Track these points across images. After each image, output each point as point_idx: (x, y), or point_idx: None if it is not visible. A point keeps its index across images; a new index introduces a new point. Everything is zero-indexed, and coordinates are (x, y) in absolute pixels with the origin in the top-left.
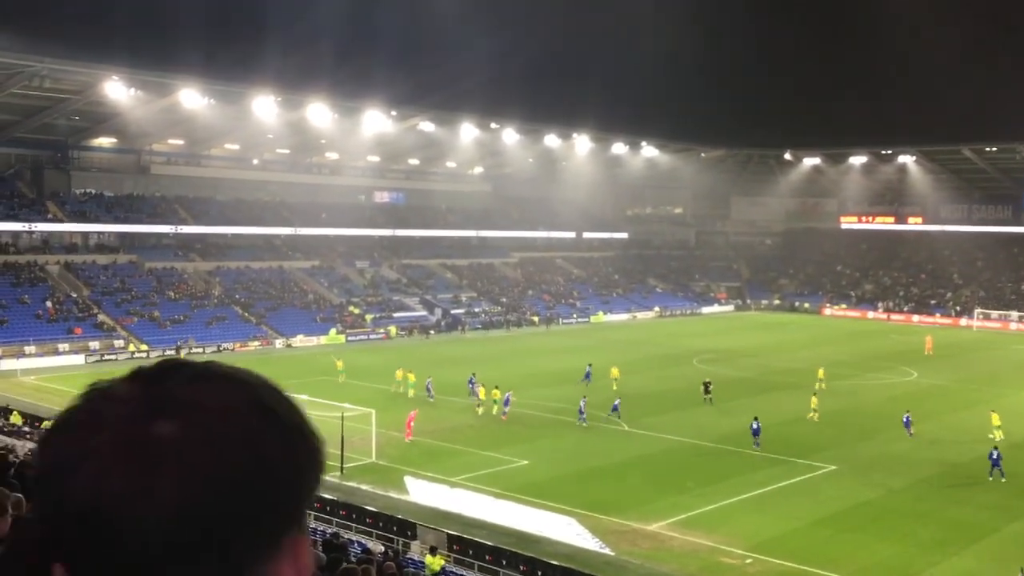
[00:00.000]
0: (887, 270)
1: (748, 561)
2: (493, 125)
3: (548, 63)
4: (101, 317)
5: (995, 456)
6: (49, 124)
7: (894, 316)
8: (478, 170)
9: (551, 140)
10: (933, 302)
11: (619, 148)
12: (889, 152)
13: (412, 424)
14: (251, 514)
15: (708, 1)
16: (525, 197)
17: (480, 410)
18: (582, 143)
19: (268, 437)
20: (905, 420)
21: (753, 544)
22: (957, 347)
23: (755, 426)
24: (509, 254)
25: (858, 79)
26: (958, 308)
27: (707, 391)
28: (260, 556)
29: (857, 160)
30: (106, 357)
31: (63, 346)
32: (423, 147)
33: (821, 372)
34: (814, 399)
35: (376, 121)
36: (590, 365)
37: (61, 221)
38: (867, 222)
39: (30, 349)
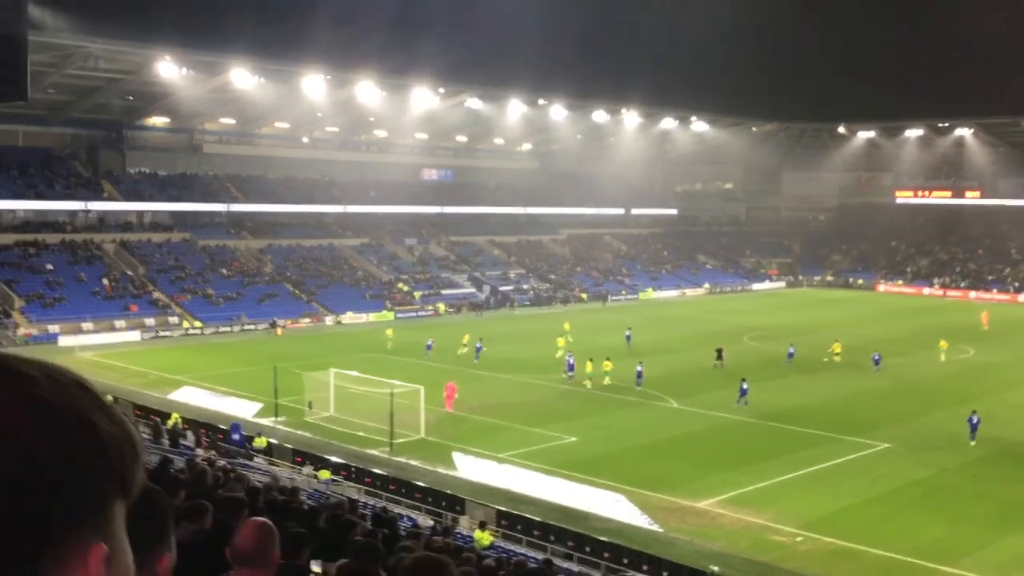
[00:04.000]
0: (943, 245)
1: (799, 539)
2: (541, 101)
3: (596, 37)
4: (156, 294)
5: (975, 421)
6: (104, 104)
7: (950, 292)
8: (526, 147)
9: (599, 116)
10: (991, 278)
11: (668, 123)
12: (946, 125)
13: (453, 396)
14: (9, 518)
15: None
16: (573, 173)
17: (588, 383)
18: (631, 118)
19: (35, 432)
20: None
21: (804, 522)
22: (1015, 323)
23: (744, 387)
24: (557, 231)
25: (914, 50)
26: (1016, 284)
27: (719, 357)
28: (27, 567)
29: (913, 133)
30: (161, 334)
31: (119, 323)
32: (471, 124)
33: (838, 347)
34: (837, 344)
35: (424, 98)
36: (630, 329)
37: (116, 200)
38: (923, 196)
39: (87, 326)
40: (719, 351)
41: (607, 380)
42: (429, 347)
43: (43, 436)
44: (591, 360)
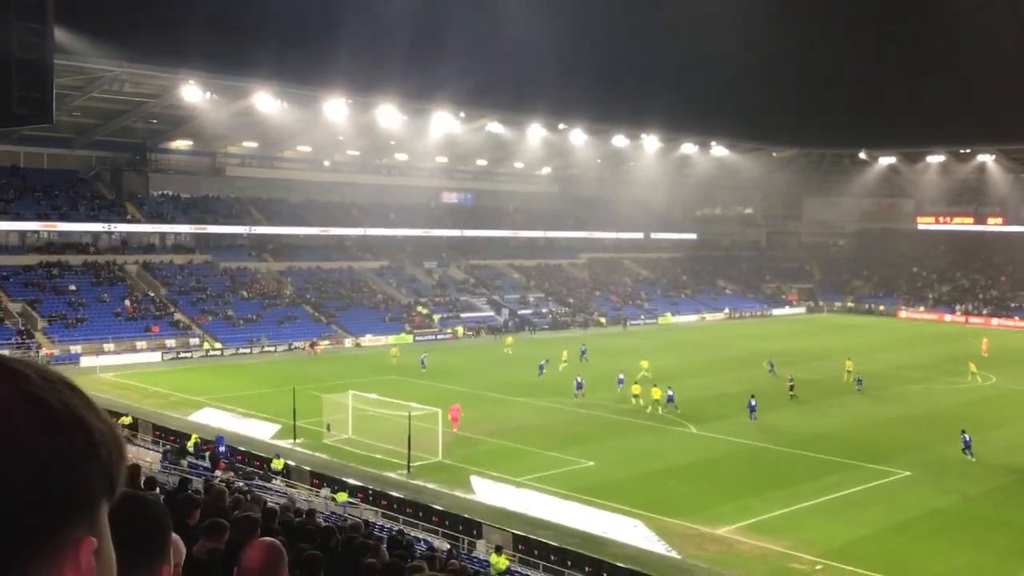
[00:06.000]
0: (965, 272)
1: (818, 567)
2: (561, 126)
3: (616, 63)
4: (177, 316)
5: (967, 439)
6: (128, 127)
7: (972, 319)
8: (546, 171)
9: (619, 140)
10: (1013, 305)
11: (688, 148)
12: (968, 151)
13: (458, 417)
14: (10, 511)
15: None
16: (593, 198)
17: (652, 409)
18: (650, 143)
19: (33, 428)
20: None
21: (824, 550)
22: None
23: (752, 403)
24: (577, 255)
25: (935, 76)
26: None
27: (792, 389)
28: (19, 560)
29: (934, 159)
30: (182, 355)
31: (140, 344)
32: (491, 148)
33: (850, 364)
34: (849, 363)
35: (444, 122)
36: (584, 345)
37: (139, 222)
38: (945, 223)
39: (109, 346)
40: (791, 384)
41: (647, 405)
42: (423, 363)
43: (43, 432)
44: (656, 385)
